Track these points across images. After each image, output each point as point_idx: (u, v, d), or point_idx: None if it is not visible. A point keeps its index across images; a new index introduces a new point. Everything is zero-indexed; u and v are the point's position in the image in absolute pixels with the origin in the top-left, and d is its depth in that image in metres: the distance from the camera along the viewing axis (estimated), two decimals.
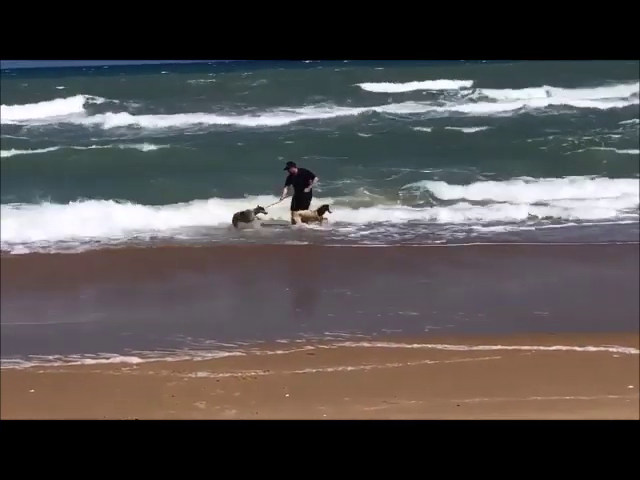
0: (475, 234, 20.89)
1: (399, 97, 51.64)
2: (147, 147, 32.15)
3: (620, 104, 46.21)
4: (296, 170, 21.91)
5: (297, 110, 46.46)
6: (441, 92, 54.57)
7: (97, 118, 43.26)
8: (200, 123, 41.58)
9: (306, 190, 21.75)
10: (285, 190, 21.79)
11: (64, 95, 47.24)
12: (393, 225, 21.72)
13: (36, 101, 45.39)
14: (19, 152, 31.73)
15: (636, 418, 8.85)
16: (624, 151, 30.83)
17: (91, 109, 46.00)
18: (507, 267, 18.03)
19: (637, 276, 15.89)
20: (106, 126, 41.29)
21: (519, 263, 18.26)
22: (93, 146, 33.30)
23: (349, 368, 11.66)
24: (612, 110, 43.94)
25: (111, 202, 22.50)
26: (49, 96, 46.87)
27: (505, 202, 23.95)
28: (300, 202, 21.72)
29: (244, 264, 18.48)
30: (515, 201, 24.00)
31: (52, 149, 32.37)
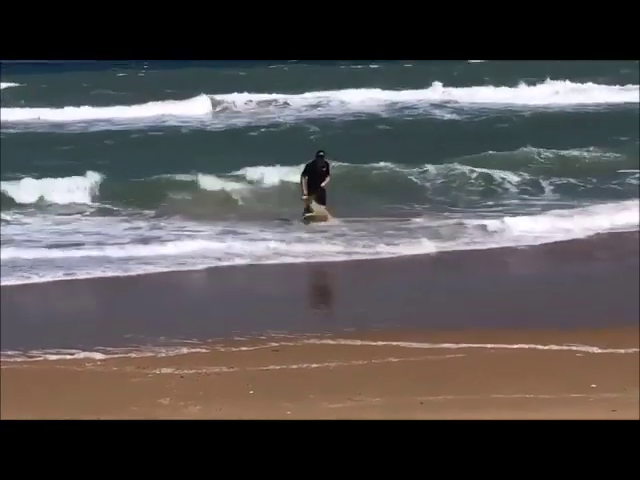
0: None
1: None
2: None
3: None
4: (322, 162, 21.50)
5: None
6: None
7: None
8: None
9: (322, 185, 21.36)
10: (305, 182, 21.29)
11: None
12: None
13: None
14: None
15: (634, 417, 8.77)
16: None
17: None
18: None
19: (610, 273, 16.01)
20: None
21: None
22: None
23: (314, 365, 11.67)
24: None
25: None
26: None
27: None
28: (314, 191, 21.26)
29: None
30: None
31: None
